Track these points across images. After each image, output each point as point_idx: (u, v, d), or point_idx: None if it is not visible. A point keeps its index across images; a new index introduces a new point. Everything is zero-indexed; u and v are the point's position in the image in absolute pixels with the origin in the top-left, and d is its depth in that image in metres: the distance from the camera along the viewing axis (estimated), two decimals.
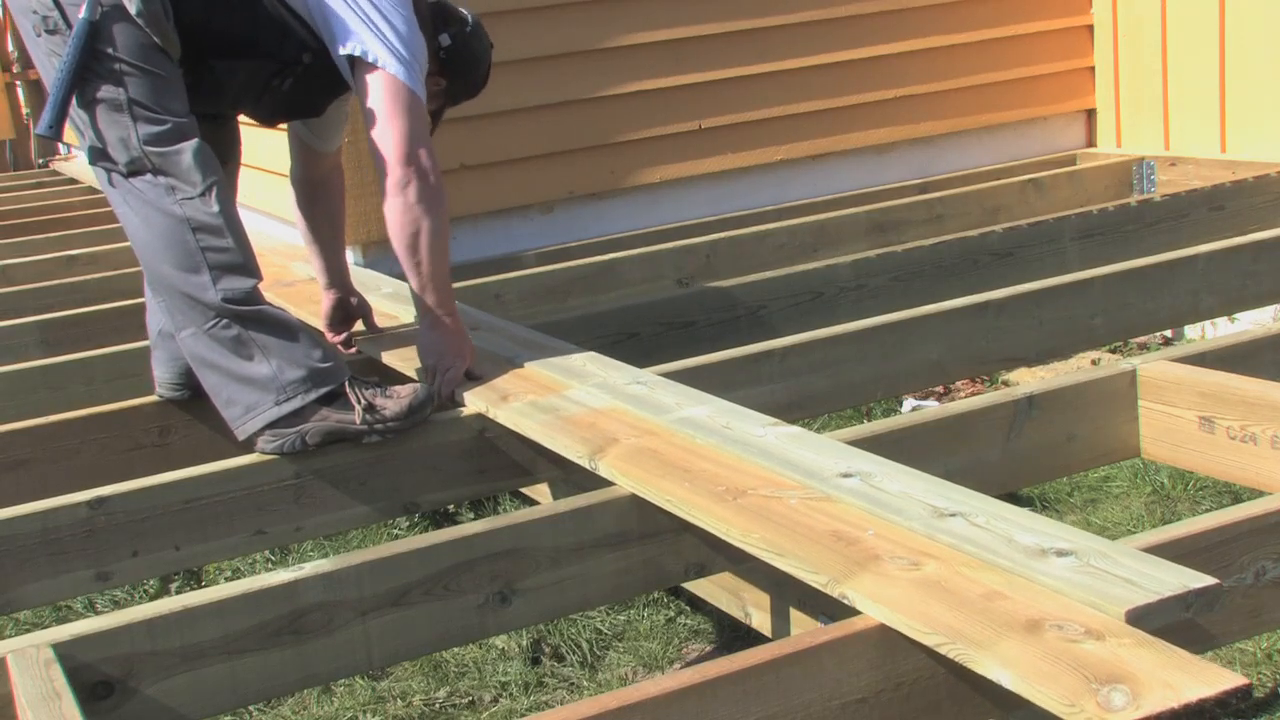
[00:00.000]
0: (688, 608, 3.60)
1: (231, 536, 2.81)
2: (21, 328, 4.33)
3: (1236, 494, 3.77)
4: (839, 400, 3.44)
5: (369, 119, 2.91)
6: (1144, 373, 2.81)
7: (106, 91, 2.76)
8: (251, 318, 2.82)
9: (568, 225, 5.07)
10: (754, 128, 5.24)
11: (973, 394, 4.65)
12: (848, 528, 2.10)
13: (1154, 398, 2.80)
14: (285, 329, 2.85)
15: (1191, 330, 5.01)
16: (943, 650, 1.76)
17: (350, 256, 3.65)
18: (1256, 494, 2.53)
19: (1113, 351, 5.01)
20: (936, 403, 4.80)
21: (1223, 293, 3.84)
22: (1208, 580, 1.78)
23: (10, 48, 10.44)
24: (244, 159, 3.37)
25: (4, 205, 7.52)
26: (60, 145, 9.43)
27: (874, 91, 5.41)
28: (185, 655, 2.18)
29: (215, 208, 2.80)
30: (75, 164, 8.87)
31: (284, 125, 3.35)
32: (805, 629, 2.43)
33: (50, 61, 2.78)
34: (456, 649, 3.38)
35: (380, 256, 4.55)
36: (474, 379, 3.07)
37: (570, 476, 2.91)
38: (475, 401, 2.97)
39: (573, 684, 3.34)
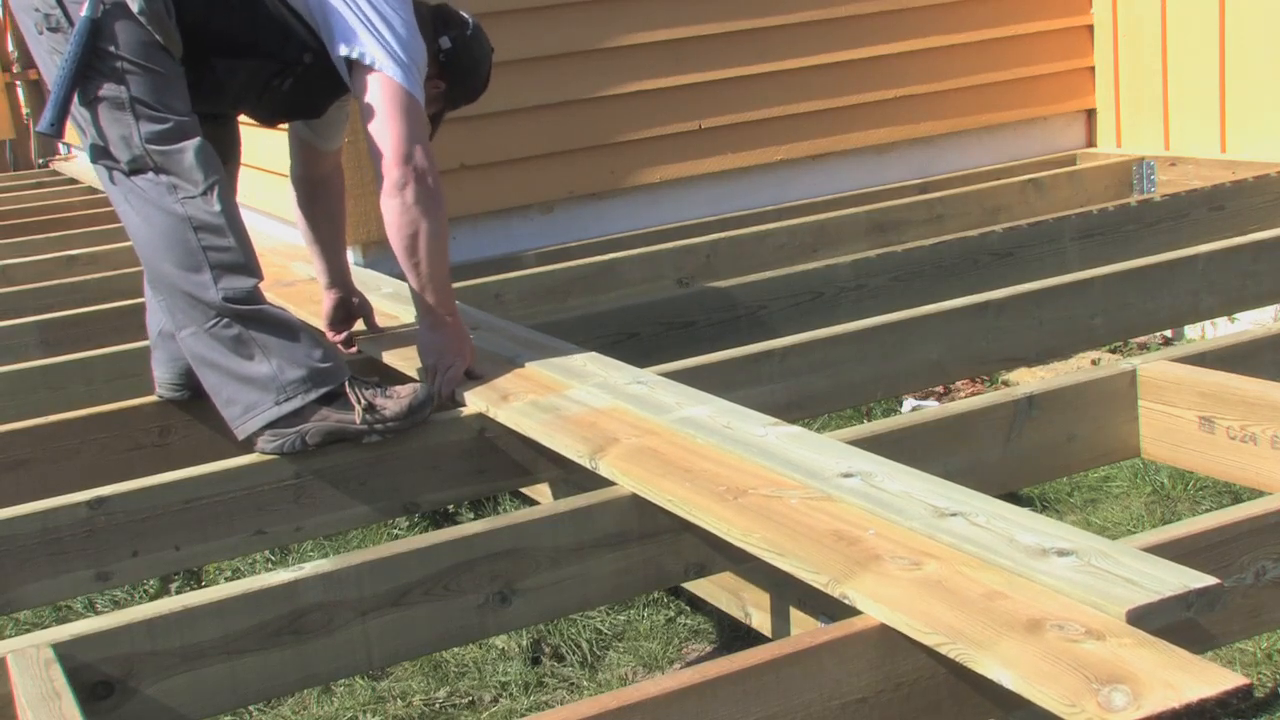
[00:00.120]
0: (688, 608, 3.60)
1: (231, 536, 2.81)
2: (21, 328, 4.33)
3: (1236, 494, 3.77)
4: (839, 400, 3.44)
5: (367, 120, 2.91)
6: (1144, 373, 2.81)
7: (108, 89, 2.76)
8: (252, 317, 2.82)
9: (568, 225, 5.07)
10: (754, 128, 5.24)
11: (973, 394, 4.65)
12: (848, 527, 2.10)
13: (1154, 398, 2.80)
14: (286, 329, 2.85)
15: (1191, 330, 5.01)
16: (943, 650, 1.76)
17: (350, 256, 3.65)
18: (1256, 494, 2.53)
19: (1113, 351, 5.01)
20: (936, 403, 4.80)
21: (1223, 293, 3.84)
22: (1208, 580, 1.78)
23: (10, 47, 10.44)
24: (244, 159, 3.37)
25: (4, 205, 7.52)
26: (60, 145, 9.45)
27: (874, 91, 5.41)
28: (185, 655, 2.18)
29: (217, 207, 2.80)
30: (75, 164, 8.87)
31: (284, 125, 3.35)
32: (805, 629, 2.43)
33: (52, 59, 2.78)
34: (456, 649, 3.38)
35: (380, 256, 4.55)
36: (474, 379, 3.07)
37: (571, 476, 2.91)
38: (475, 401, 2.97)
39: (573, 684, 3.34)
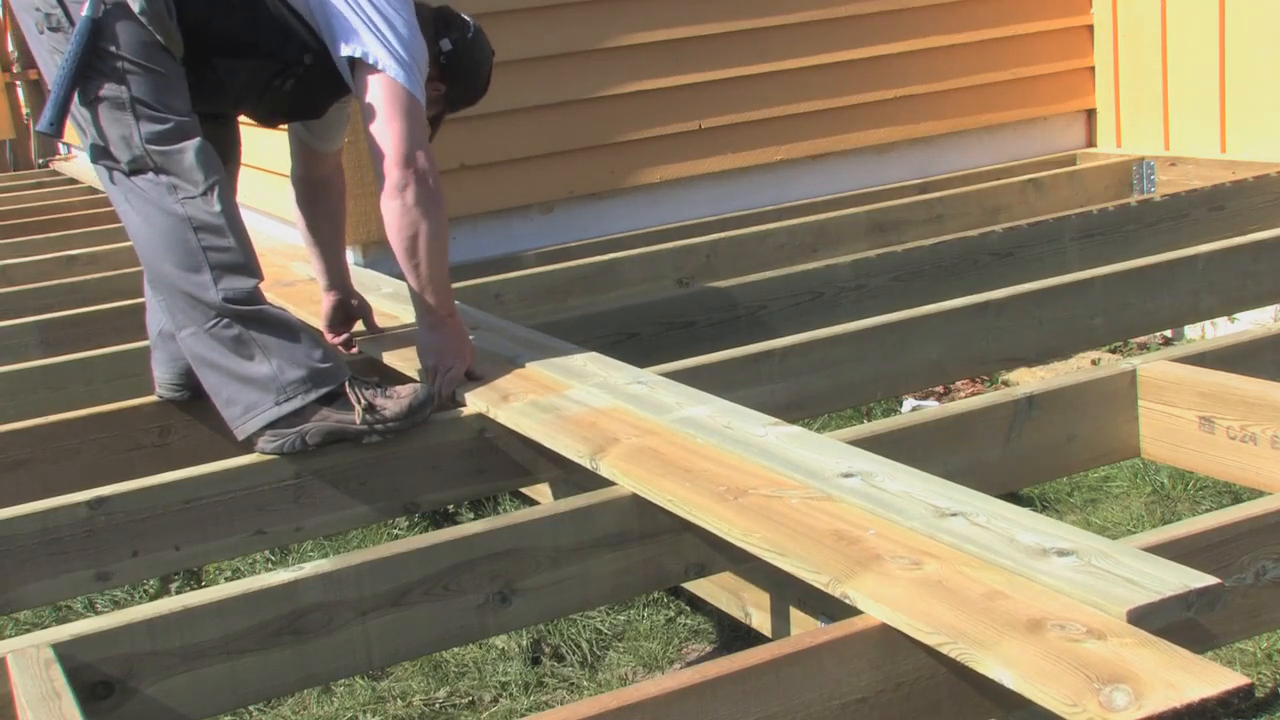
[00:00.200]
0: (688, 608, 3.60)
1: (231, 536, 2.81)
2: (21, 328, 4.33)
3: (1236, 494, 3.77)
4: (839, 400, 3.44)
5: (368, 121, 2.91)
6: (1144, 373, 2.81)
7: (109, 89, 2.76)
8: (252, 317, 2.82)
9: (568, 225, 5.06)
10: (754, 128, 5.24)
11: (973, 394, 4.65)
12: (849, 527, 2.10)
13: (1154, 398, 2.80)
14: (286, 329, 2.85)
15: (1191, 330, 5.01)
16: (944, 650, 1.76)
17: (350, 256, 3.65)
18: (1256, 494, 2.53)
19: (1113, 351, 5.01)
20: (936, 403, 4.80)
21: (1223, 293, 3.84)
22: (1209, 580, 1.78)
23: (10, 47, 10.44)
24: (244, 159, 3.37)
25: (4, 205, 7.52)
26: (60, 145, 9.45)
27: (874, 91, 5.40)
28: (185, 655, 2.18)
29: (217, 207, 2.80)
30: (75, 164, 8.87)
31: (284, 126, 3.35)
32: (805, 629, 2.43)
33: (52, 59, 2.78)
34: (456, 649, 3.38)
35: (380, 256, 4.55)
36: (474, 379, 3.07)
37: (571, 476, 2.91)
38: (476, 401, 2.97)
39: (573, 684, 3.34)
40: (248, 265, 2.83)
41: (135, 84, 2.76)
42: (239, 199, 3.03)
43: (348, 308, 3.53)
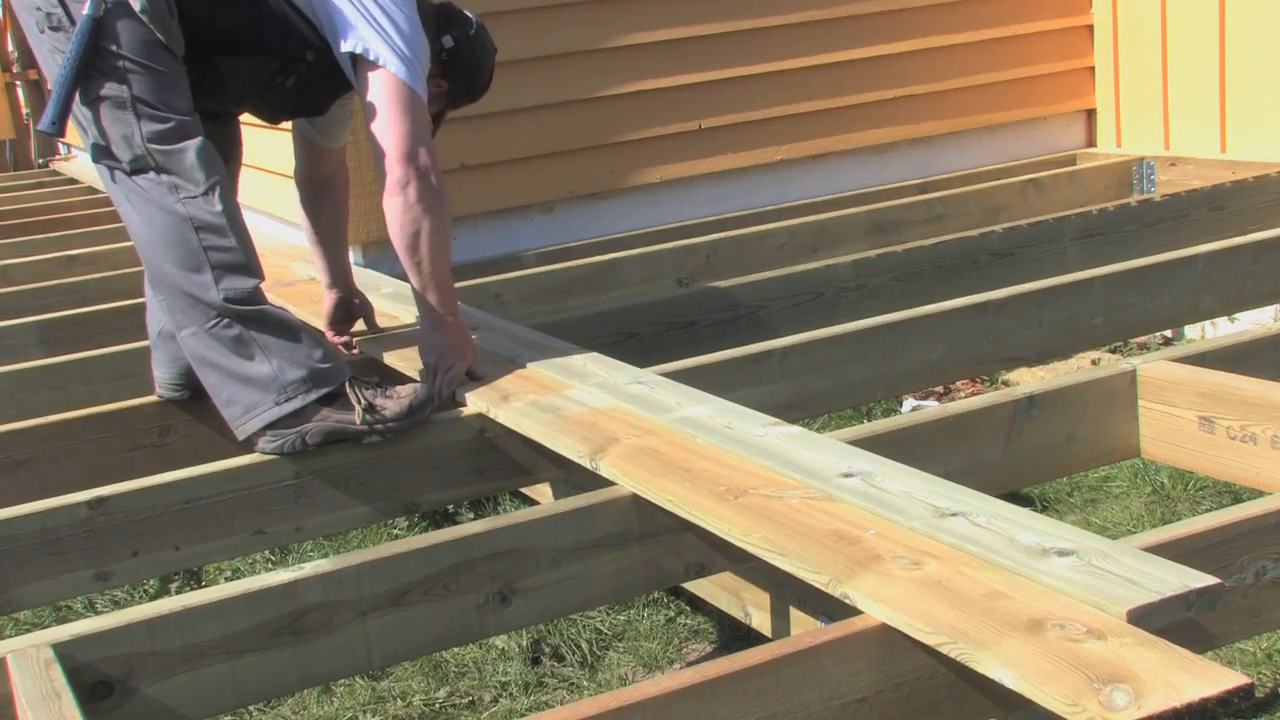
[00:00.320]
0: (688, 608, 3.60)
1: (231, 536, 2.81)
2: (21, 328, 4.33)
3: (1236, 494, 3.77)
4: (839, 400, 3.44)
5: (370, 117, 2.91)
6: (1144, 373, 2.81)
7: (110, 89, 2.76)
8: (253, 317, 2.82)
9: (568, 225, 5.07)
10: (754, 128, 5.24)
11: (973, 394, 4.65)
12: (849, 527, 2.10)
13: (1154, 398, 2.80)
14: (287, 329, 2.85)
15: (1191, 330, 5.01)
16: (944, 650, 1.76)
17: (350, 256, 3.65)
18: (1256, 494, 2.53)
19: (1113, 351, 5.01)
20: (936, 403, 4.80)
21: (1223, 293, 3.84)
22: (1209, 580, 1.78)
23: (10, 47, 10.44)
24: (245, 159, 3.37)
25: (4, 205, 7.52)
26: (60, 145, 9.45)
27: (874, 91, 5.40)
28: (185, 655, 2.18)
29: (218, 207, 2.80)
30: (75, 164, 8.87)
31: (286, 125, 3.35)
32: (805, 629, 2.43)
33: (53, 58, 2.78)
34: (456, 649, 3.38)
35: (381, 256, 4.55)
36: (475, 379, 3.07)
37: (571, 476, 2.91)
38: (476, 401, 2.97)
39: (573, 684, 3.34)
40: (249, 265, 2.83)
41: (137, 83, 2.76)
42: (239, 199, 3.03)
43: (349, 306, 3.53)
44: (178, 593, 3.46)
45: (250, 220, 3.01)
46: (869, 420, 4.44)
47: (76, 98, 2.76)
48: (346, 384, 2.85)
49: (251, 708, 3.26)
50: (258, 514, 2.81)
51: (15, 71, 10.45)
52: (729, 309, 3.98)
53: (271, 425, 2.81)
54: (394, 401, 2.85)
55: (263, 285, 2.88)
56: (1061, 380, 2.82)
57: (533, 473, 3.00)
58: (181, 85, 2.84)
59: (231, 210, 2.84)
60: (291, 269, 4.41)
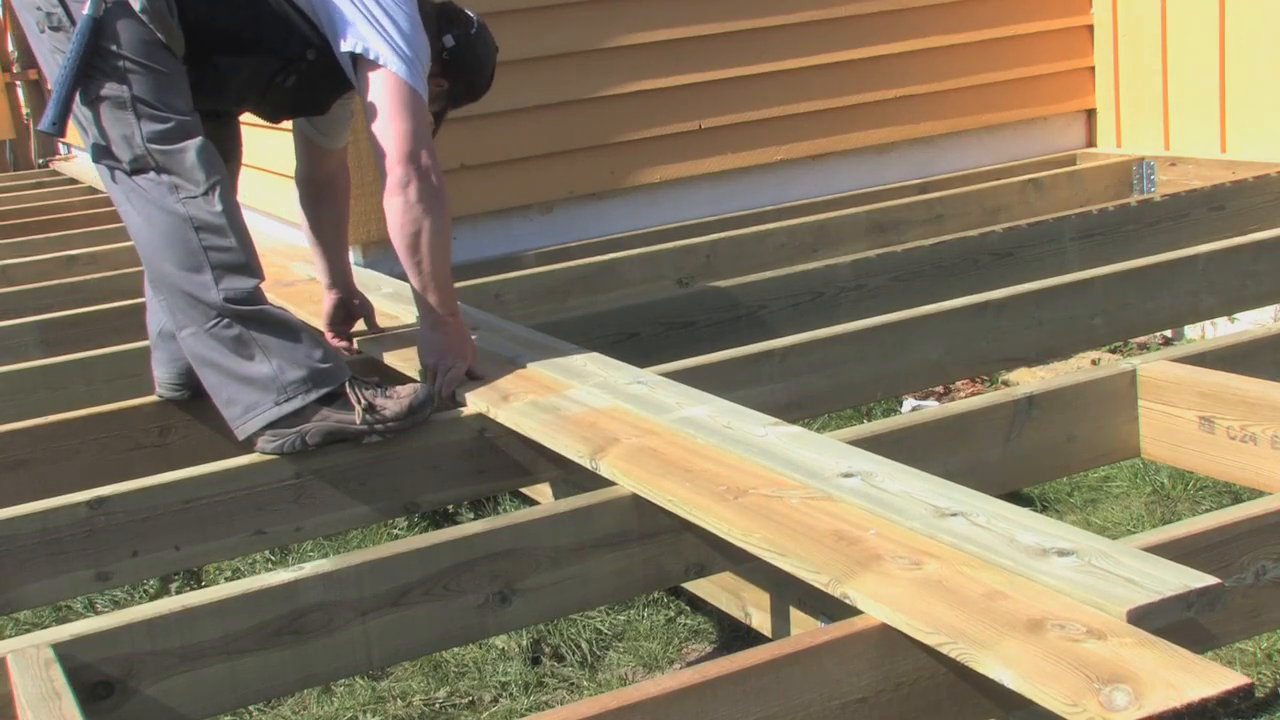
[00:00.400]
0: (688, 608, 3.60)
1: (231, 536, 2.81)
2: (21, 328, 4.33)
3: (1236, 494, 3.77)
4: (839, 400, 3.44)
5: (370, 117, 2.91)
6: (1144, 373, 2.81)
7: (110, 89, 2.76)
8: (253, 317, 2.82)
9: (568, 225, 5.07)
10: (754, 128, 5.24)
11: (973, 394, 4.65)
12: (849, 527, 2.10)
13: (1154, 398, 2.80)
14: (287, 329, 2.85)
15: (1191, 330, 5.01)
16: (944, 650, 1.76)
17: (350, 256, 3.65)
18: (1256, 494, 2.53)
19: (1113, 351, 5.01)
20: (936, 403, 4.80)
21: (1223, 293, 3.84)
22: (1209, 580, 1.78)
23: (10, 47, 10.44)
24: (245, 159, 3.37)
25: (4, 205, 7.52)
26: (60, 145, 9.45)
27: (874, 91, 5.41)
28: (185, 655, 2.18)
29: (218, 207, 2.80)
30: (75, 164, 8.87)
31: (287, 125, 3.34)
32: (805, 629, 2.43)
33: (53, 58, 2.78)
34: (456, 649, 3.38)
35: (381, 256, 4.55)
36: (475, 379, 3.07)
37: (571, 476, 2.91)
38: (476, 401, 2.97)
39: (573, 684, 3.34)
40: (249, 265, 2.83)
41: (137, 83, 2.76)
42: (239, 199, 3.03)
43: (349, 306, 3.53)
44: (178, 593, 3.46)
45: (250, 220, 3.01)
46: (869, 420, 4.44)
47: (77, 98, 2.76)
48: (346, 384, 2.85)
49: (251, 708, 3.26)
50: (258, 514, 2.81)
51: (15, 71, 10.45)
52: (729, 309, 3.98)
53: (271, 425, 2.81)
54: (394, 401, 2.85)
55: (263, 285, 2.87)
56: (1061, 380, 2.82)
57: (533, 473, 3.00)
58: (182, 85, 2.84)
59: (232, 210, 2.83)
60: (291, 269, 4.41)
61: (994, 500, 2.14)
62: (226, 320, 2.81)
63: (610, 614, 3.58)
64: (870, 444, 2.52)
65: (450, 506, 4.07)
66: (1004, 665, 1.66)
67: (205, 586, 3.28)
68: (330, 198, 3.43)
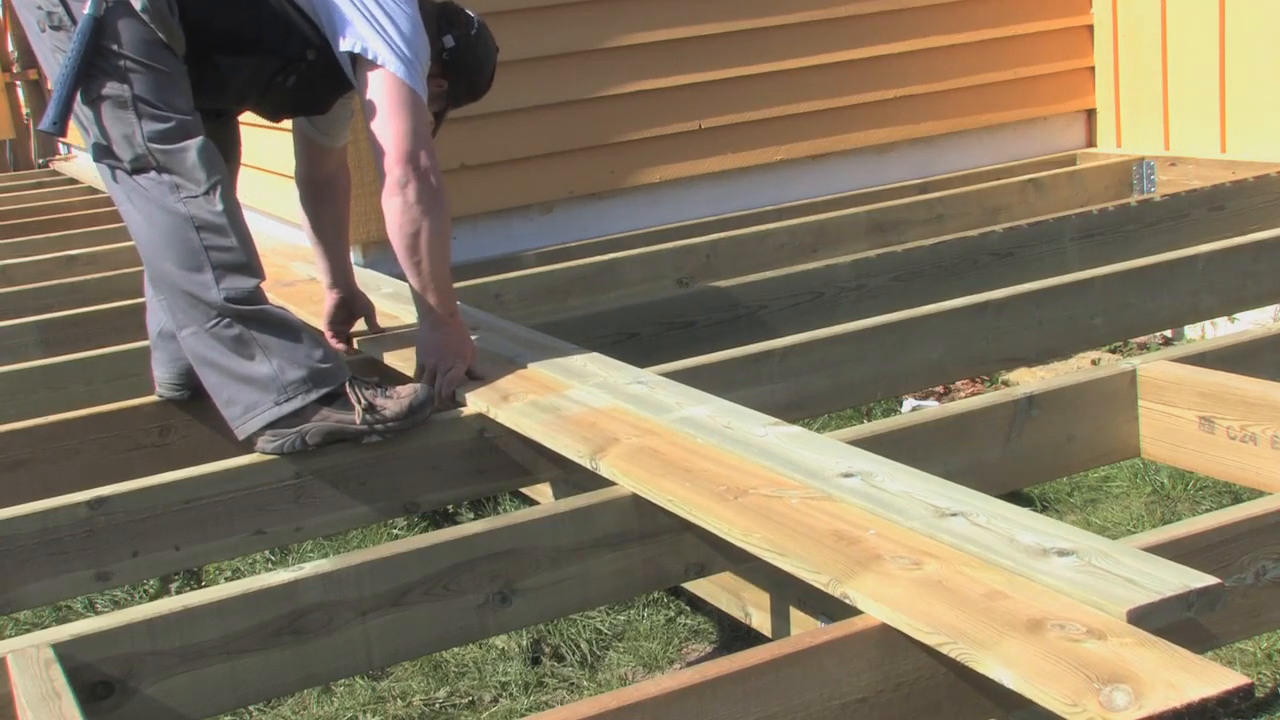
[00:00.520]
0: (688, 608, 3.60)
1: (231, 536, 2.81)
2: (21, 328, 4.33)
3: (1236, 494, 3.77)
4: (839, 400, 3.44)
5: (369, 117, 2.91)
6: (1144, 373, 2.81)
7: (111, 88, 2.76)
8: (253, 317, 2.82)
9: (568, 225, 5.07)
10: (754, 128, 5.24)
11: (973, 394, 4.65)
12: (849, 527, 2.10)
13: (1154, 398, 2.80)
14: (287, 329, 2.85)
15: (1191, 330, 5.01)
16: (944, 650, 1.76)
17: (350, 256, 3.65)
18: (1256, 494, 2.53)
19: (1113, 351, 5.01)
20: (936, 403, 4.80)
21: (1223, 293, 3.84)
22: (1209, 580, 1.78)
23: (10, 47, 10.44)
24: (245, 158, 3.37)
25: (4, 205, 7.52)
26: (60, 145, 9.45)
27: (874, 91, 5.41)
28: (185, 655, 2.18)
29: (219, 206, 2.80)
30: (75, 164, 8.87)
31: (287, 125, 3.34)
32: (805, 629, 2.43)
33: (54, 58, 2.78)
34: (456, 649, 3.38)
35: (381, 256, 4.55)
36: (475, 379, 3.07)
37: (571, 476, 2.91)
38: (476, 401, 2.97)
39: (573, 684, 3.34)
40: (249, 265, 2.83)
41: (138, 82, 2.76)
42: (239, 198, 3.03)
43: (350, 306, 3.53)
44: (178, 593, 3.46)
45: (250, 220, 3.01)
46: (869, 420, 4.44)
47: (78, 97, 2.76)
48: (346, 384, 2.85)
49: (251, 708, 3.26)
50: (258, 514, 2.81)
51: (15, 71, 10.45)
52: (729, 309, 3.98)
53: (271, 425, 2.81)
54: (394, 401, 2.85)
55: (263, 285, 2.88)
56: (1061, 380, 2.82)
57: (533, 473, 3.00)
58: (182, 84, 2.84)
59: (232, 210, 2.83)
60: (292, 269, 4.41)
61: (994, 500, 2.14)
62: (227, 320, 2.81)
63: (610, 614, 3.58)
64: (870, 444, 2.52)
65: (450, 506, 4.07)
66: (1004, 665, 1.66)
67: (205, 586, 3.28)
68: (330, 197, 3.43)
